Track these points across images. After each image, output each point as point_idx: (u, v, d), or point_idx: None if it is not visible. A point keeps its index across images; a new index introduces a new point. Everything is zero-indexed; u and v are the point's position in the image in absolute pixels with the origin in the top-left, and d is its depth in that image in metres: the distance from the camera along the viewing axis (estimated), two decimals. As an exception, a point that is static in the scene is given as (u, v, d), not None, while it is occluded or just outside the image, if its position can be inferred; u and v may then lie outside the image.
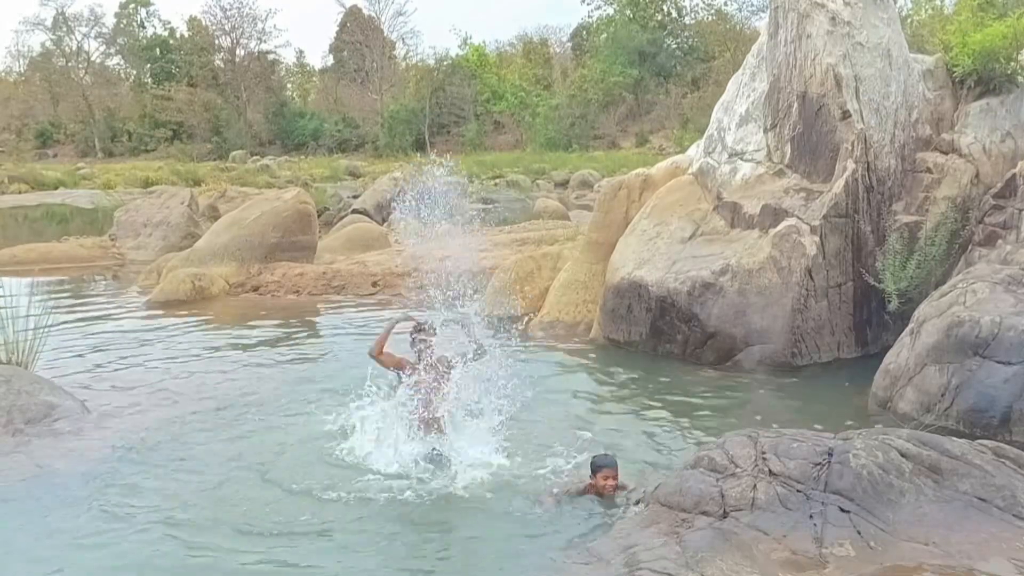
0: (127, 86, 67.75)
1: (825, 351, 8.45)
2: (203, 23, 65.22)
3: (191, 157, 51.56)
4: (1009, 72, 9.09)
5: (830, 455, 4.49)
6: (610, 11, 59.69)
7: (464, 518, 5.25)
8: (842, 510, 4.21)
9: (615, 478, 5.35)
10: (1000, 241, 8.27)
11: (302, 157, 52.96)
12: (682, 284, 8.74)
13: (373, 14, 65.73)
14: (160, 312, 12.04)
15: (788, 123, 9.27)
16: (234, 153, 52.76)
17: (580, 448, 6.22)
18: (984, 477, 4.37)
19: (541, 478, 5.71)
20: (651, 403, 7.50)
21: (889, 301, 8.29)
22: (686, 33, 58.61)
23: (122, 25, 68.17)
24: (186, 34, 66.53)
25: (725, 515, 4.30)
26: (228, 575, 4.71)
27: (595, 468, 5.40)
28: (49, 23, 67.23)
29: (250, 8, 65.89)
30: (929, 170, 8.90)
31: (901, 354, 7.12)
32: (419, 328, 6.38)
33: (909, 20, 23.37)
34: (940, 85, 9.43)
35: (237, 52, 64.99)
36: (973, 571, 3.86)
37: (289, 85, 71.35)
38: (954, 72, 9.35)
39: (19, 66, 70.37)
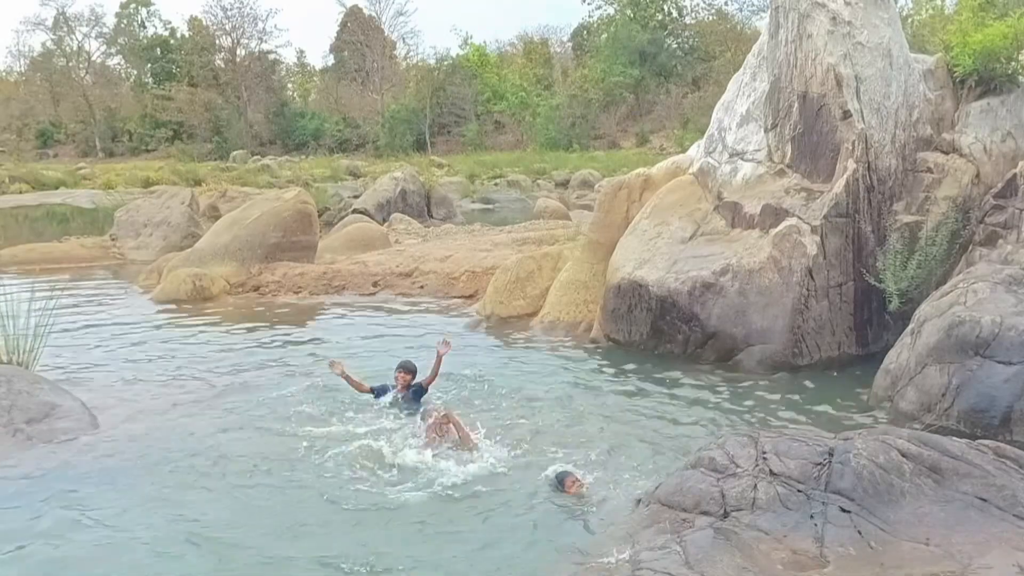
0: (128, 86, 67.76)
1: (826, 351, 8.44)
2: (204, 23, 65.27)
3: (192, 157, 51.48)
4: (1010, 72, 9.09)
5: (831, 455, 4.48)
6: (611, 11, 59.76)
7: (461, 518, 5.25)
8: (843, 510, 4.21)
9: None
10: (1001, 241, 8.27)
11: (303, 157, 52.93)
12: (683, 284, 8.74)
13: (373, 14, 65.83)
14: (160, 312, 12.04)
15: (789, 123, 9.27)
16: (235, 153, 52.73)
17: (579, 448, 6.22)
18: (985, 477, 4.37)
19: (539, 478, 5.71)
20: (651, 403, 7.50)
21: (890, 301, 8.29)
22: (687, 33, 58.64)
23: (123, 25, 68.19)
24: (187, 34, 66.53)
25: (726, 515, 4.30)
26: (229, 573, 4.72)
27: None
28: (50, 23, 67.37)
29: (251, 8, 66.18)
30: (930, 170, 8.89)
31: (902, 354, 7.12)
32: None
33: (910, 20, 23.41)
34: (941, 85, 9.42)
35: (238, 52, 65.02)
36: (973, 571, 3.86)
37: (290, 85, 71.34)
38: (955, 72, 9.34)
39: (20, 66, 70.51)
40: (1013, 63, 9.06)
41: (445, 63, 60.53)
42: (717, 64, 47.25)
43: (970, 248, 8.47)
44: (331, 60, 68.79)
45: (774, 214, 8.77)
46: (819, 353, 8.41)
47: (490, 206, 30.01)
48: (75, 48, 68.21)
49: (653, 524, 4.43)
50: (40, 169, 42.92)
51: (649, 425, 6.91)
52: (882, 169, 8.78)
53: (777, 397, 7.60)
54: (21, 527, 5.26)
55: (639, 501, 4.94)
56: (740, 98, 10.08)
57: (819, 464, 4.45)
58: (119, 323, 11.30)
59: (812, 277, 8.32)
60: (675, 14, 59.49)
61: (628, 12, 57.31)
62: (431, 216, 23.96)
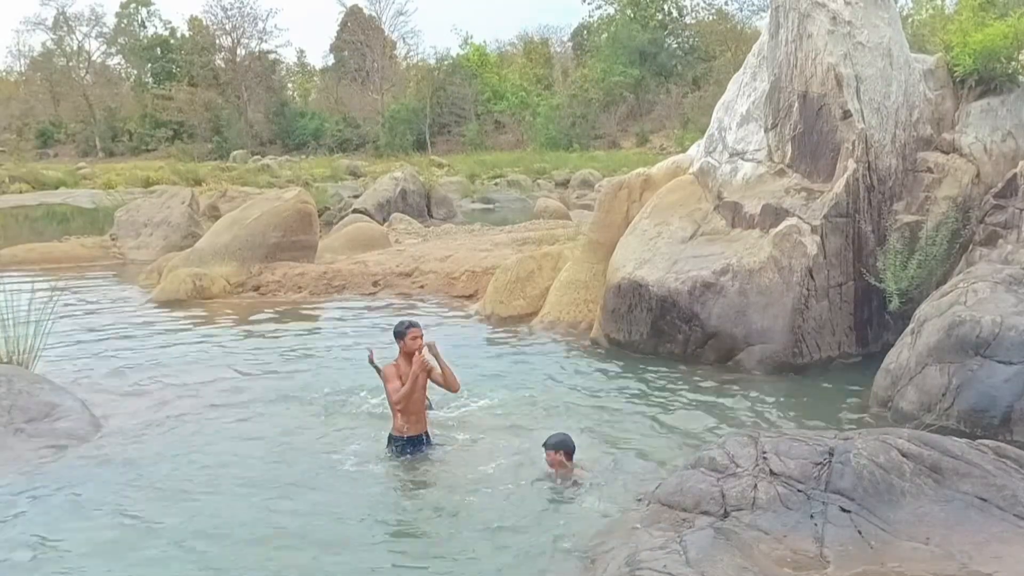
0: (128, 86, 67.74)
1: (826, 351, 8.45)
2: (204, 23, 65.27)
3: (192, 157, 51.44)
4: (1010, 72, 9.09)
5: (831, 455, 4.48)
6: (611, 11, 59.72)
7: (460, 519, 5.25)
8: (843, 510, 4.21)
9: (564, 456, 5.65)
10: (1001, 241, 8.27)
11: (303, 157, 52.91)
12: (683, 284, 8.74)
13: (374, 14, 65.79)
14: (161, 312, 12.05)
15: (789, 123, 9.27)
16: (235, 153, 52.71)
17: (578, 448, 6.22)
18: (985, 477, 4.37)
19: (539, 479, 5.71)
20: (652, 403, 7.50)
21: (890, 301, 8.29)
22: (687, 33, 58.61)
23: (123, 25, 68.17)
24: (187, 34, 66.51)
25: (726, 515, 4.30)
26: (230, 572, 4.72)
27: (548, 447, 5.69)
28: (50, 23, 67.34)
29: (251, 8, 66.18)
30: (930, 170, 8.90)
31: (902, 354, 7.12)
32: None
33: (910, 20, 23.39)
34: (941, 85, 9.42)
35: (238, 52, 65.01)
36: (973, 571, 3.86)
37: (290, 85, 71.30)
38: (955, 72, 9.34)
39: (20, 66, 70.49)
40: (1013, 63, 9.06)
41: (445, 63, 60.51)
42: (717, 64, 47.21)
43: (970, 248, 8.47)
44: (331, 60, 68.77)
45: (774, 214, 8.77)
46: (819, 353, 8.41)
47: (490, 206, 30.01)
48: (75, 48, 68.22)
49: (653, 524, 4.43)
50: (40, 169, 42.89)
51: (649, 425, 6.92)
52: (882, 169, 8.78)
53: (777, 397, 7.60)
54: (21, 527, 5.26)
55: (639, 501, 4.94)
56: (740, 98, 10.08)
57: (819, 464, 4.45)
58: (119, 323, 11.30)
59: (812, 277, 8.32)
60: (675, 14, 59.45)
61: (628, 12, 57.28)
62: (431, 216, 23.96)
